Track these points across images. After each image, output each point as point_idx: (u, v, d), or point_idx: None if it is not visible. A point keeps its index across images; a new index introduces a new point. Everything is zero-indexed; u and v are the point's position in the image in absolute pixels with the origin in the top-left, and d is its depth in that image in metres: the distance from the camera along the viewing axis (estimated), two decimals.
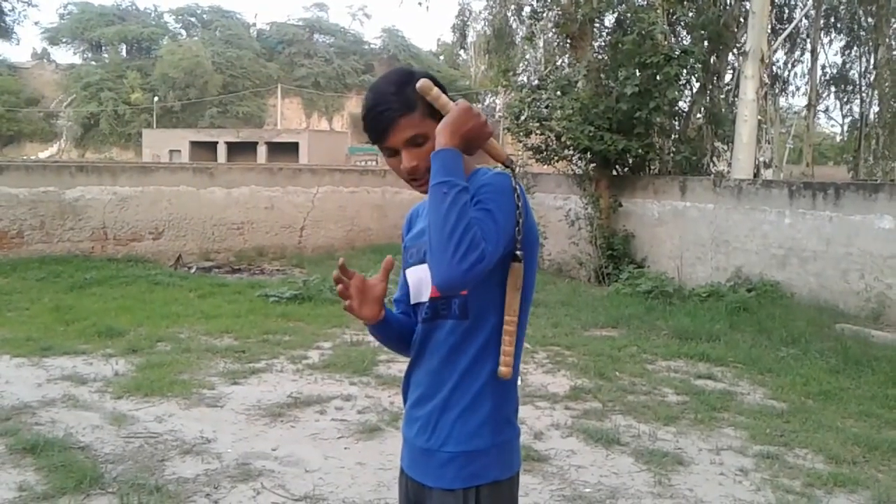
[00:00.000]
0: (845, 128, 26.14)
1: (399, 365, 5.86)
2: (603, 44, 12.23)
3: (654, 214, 10.99)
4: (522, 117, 11.62)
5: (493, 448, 1.67)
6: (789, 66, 21.18)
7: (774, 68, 17.36)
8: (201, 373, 5.78)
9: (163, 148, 37.61)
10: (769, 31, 12.38)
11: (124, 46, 59.68)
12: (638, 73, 10.73)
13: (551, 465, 4.17)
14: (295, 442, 4.44)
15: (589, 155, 11.29)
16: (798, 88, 27.81)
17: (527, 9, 15.22)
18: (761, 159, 12.65)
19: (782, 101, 23.38)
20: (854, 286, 8.34)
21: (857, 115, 23.43)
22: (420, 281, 1.71)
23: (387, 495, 3.71)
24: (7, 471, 3.86)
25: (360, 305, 1.73)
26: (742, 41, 12.42)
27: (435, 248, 1.50)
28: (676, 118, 12.42)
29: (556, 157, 11.77)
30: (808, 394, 5.58)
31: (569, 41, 12.26)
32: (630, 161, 11.51)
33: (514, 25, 18.24)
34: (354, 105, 55.55)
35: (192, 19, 63.48)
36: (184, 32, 62.68)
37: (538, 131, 11.57)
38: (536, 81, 12.61)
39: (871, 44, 21.28)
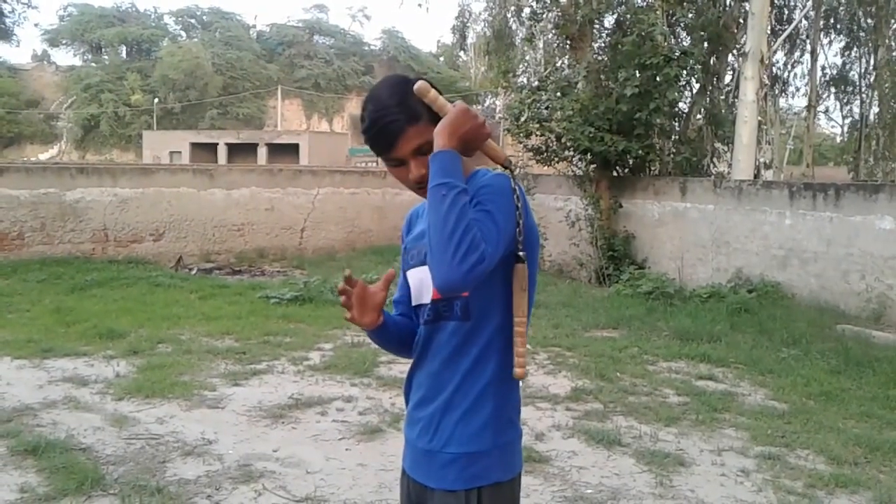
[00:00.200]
0: (845, 129, 26.14)
1: (400, 366, 5.86)
2: (603, 45, 12.24)
3: (654, 215, 10.99)
4: (522, 118, 11.63)
5: (494, 449, 1.67)
6: (789, 67, 21.17)
7: (774, 69, 17.37)
8: (202, 374, 5.78)
9: (163, 149, 37.58)
10: (769, 32, 12.39)
11: (124, 48, 59.67)
12: (638, 75, 10.73)
13: (553, 466, 4.17)
14: (296, 443, 4.44)
15: (589, 156, 11.29)
16: (798, 89, 27.87)
17: (526, 10, 15.21)
18: (761, 160, 12.65)
19: (782, 102, 23.38)
20: (855, 287, 8.34)
21: (857, 116, 23.40)
22: (421, 283, 1.71)
23: (388, 496, 3.71)
24: (9, 472, 3.86)
25: (360, 314, 1.73)
26: (742, 42, 12.42)
27: (435, 250, 1.50)
28: (676, 119, 12.42)
29: (556, 159, 11.78)
30: (809, 395, 5.58)
31: (568, 42, 12.27)
32: (630, 162, 11.51)
33: (513, 27, 18.24)
34: (355, 106, 55.51)
35: (192, 21, 63.50)
36: (184, 34, 62.70)
37: (538, 132, 11.58)
38: (536, 83, 12.61)
39: (870, 45, 21.27)
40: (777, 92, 19.87)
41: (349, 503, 3.69)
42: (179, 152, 37.20)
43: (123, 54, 59.48)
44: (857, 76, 22.86)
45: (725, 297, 8.75)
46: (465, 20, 21.19)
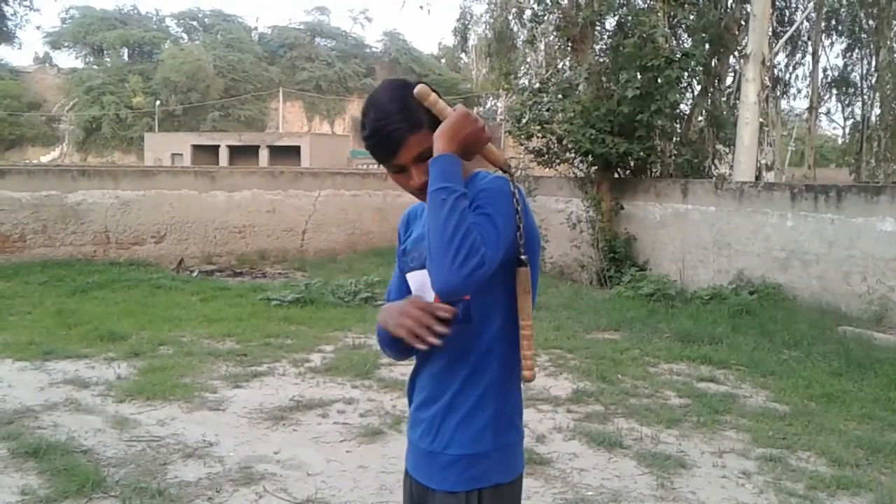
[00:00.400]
0: (847, 130, 26.13)
1: (401, 368, 5.86)
2: (604, 47, 12.24)
3: (655, 217, 10.99)
4: (524, 120, 11.64)
5: (495, 451, 1.68)
6: (790, 68, 21.16)
7: (776, 71, 17.35)
8: (203, 376, 5.78)
9: (165, 152, 37.61)
10: (770, 33, 12.39)
11: (126, 50, 59.74)
12: (639, 76, 10.74)
13: (554, 468, 4.16)
14: (297, 445, 4.44)
15: (590, 158, 11.29)
16: (799, 91, 27.80)
17: (528, 12, 15.23)
18: (763, 162, 12.65)
19: (784, 104, 23.34)
20: (856, 289, 8.33)
21: (858, 118, 23.38)
22: (422, 286, 1.71)
23: (389, 499, 3.71)
24: (10, 475, 3.86)
25: None
26: (743, 44, 12.42)
27: (434, 255, 1.50)
28: (678, 121, 12.42)
29: (557, 160, 11.78)
30: (810, 396, 5.57)
31: (570, 44, 12.28)
32: (631, 164, 11.52)
33: (515, 29, 18.24)
34: (356, 108, 55.50)
35: (194, 23, 63.56)
36: (185, 36, 62.76)
37: (539, 134, 11.58)
38: (538, 84, 12.62)
39: (872, 46, 21.25)
40: (778, 93, 19.85)
41: None
42: (181, 154, 37.23)
43: (125, 56, 59.54)
44: (858, 78, 22.85)
45: (727, 298, 8.74)
46: (467, 22, 21.19)
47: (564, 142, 11.26)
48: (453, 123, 1.58)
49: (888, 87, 20.87)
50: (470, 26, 21.24)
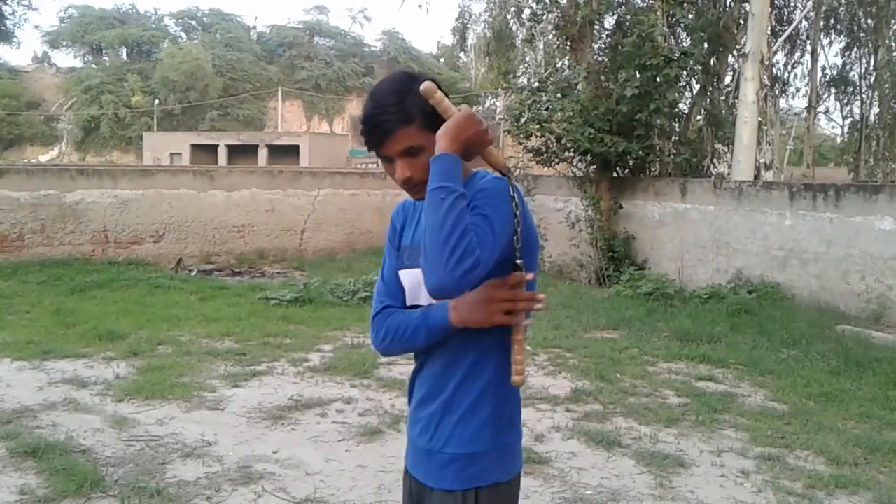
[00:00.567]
0: (845, 129, 26.13)
1: (400, 368, 5.87)
2: (603, 46, 12.24)
3: (654, 216, 10.99)
4: (523, 119, 11.63)
5: (493, 450, 1.68)
6: (789, 67, 21.18)
7: (774, 70, 17.37)
8: (202, 376, 5.78)
9: (163, 151, 37.57)
10: (769, 32, 12.39)
11: (125, 50, 59.68)
12: (638, 75, 10.73)
13: (552, 467, 4.16)
14: (296, 445, 4.44)
15: (589, 157, 11.29)
16: (798, 90, 27.84)
17: (527, 11, 15.24)
18: (762, 161, 12.65)
19: (782, 103, 23.35)
20: (855, 287, 8.34)
21: (857, 117, 23.41)
22: (418, 285, 1.71)
23: (388, 498, 3.71)
24: (8, 474, 3.86)
25: None
26: (742, 43, 12.42)
27: (429, 254, 1.51)
28: (677, 120, 12.43)
29: (556, 159, 11.78)
30: (809, 395, 5.58)
31: (569, 43, 12.27)
32: (630, 163, 11.52)
33: (514, 28, 18.25)
34: (355, 108, 55.51)
35: (193, 22, 63.50)
36: (184, 35, 62.70)
37: (538, 133, 11.59)
38: (536, 83, 12.62)
39: (871, 45, 21.28)
40: (777, 93, 19.87)
41: None
42: (180, 154, 37.20)
43: (124, 56, 59.49)
44: (857, 77, 22.88)
45: (725, 297, 8.75)
46: (466, 21, 21.21)
47: (563, 141, 11.26)
48: (457, 123, 1.58)
49: (887, 85, 20.89)
50: (469, 25, 21.27)
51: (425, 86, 1.60)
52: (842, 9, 21.31)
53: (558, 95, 11.49)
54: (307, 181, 13.74)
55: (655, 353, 6.83)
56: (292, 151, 35.06)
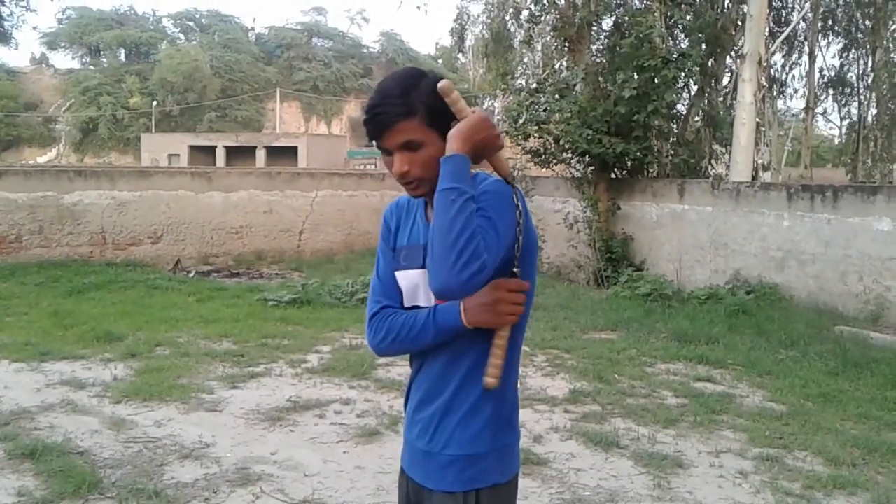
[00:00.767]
0: (843, 130, 26.12)
1: (398, 369, 5.87)
2: (601, 47, 12.25)
3: (652, 217, 10.99)
4: (521, 121, 11.63)
5: (492, 452, 1.68)
6: (787, 68, 21.18)
7: (772, 71, 17.39)
8: (200, 377, 5.77)
9: (161, 152, 37.57)
10: (767, 34, 12.42)
11: (123, 51, 59.70)
12: (636, 77, 10.73)
13: (550, 468, 4.16)
14: (294, 446, 4.44)
15: (587, 158, 11.30)
16: (796, 91, 27.94)
17: (525, 12, 15.25)
18: (759, 162, 12.67)
19: (780, 104, 23.32)
20: (853, 288, 8.35)
21: (855, 118, 23.40)
22: (416, 287, 1.71)
23: (386, 499, 3.70)
24: (6, 476, 3.86)
25: None
26: (740, 44, 12.43)
27: (437, 255, 1.51)
28: (675, 121, 12.43)
29: (554, 161, 11.78)
30: (807, 396, 5.58)
31: (567, 45, 12.28)
32: (628, 164, 11.53)
33: (512, 29, 18.23)
34: (353, 109, 55.59)
35: (191, 24, 63.54)
36: (182, 37, 62.72)
37: (536, 134, 11.59)
38: (535, 85, 12.63)
39: (868, 46, 21.28)
40: (775, 94, 19.88)
41: None
42: (178, 155, 37.19)
43: (122, 57, 59.51)
44: (855, 78, 22.88)
45: (723, 298, 8.75)
46: (464, 22, 21.18)
47: (561, 142, 11.26)
48: (472, 125, 1.59)
49: (884, 87, 20.90)
50: (467, 27, 21.24)
51: (443, 84, 1.60)
52: (839, 10, 21.33)
53: (556, 97, 11.50)
54: (305, 182, 13.74)
55: (654, 353, 6.83)
56: (290, 153, 35.07)
